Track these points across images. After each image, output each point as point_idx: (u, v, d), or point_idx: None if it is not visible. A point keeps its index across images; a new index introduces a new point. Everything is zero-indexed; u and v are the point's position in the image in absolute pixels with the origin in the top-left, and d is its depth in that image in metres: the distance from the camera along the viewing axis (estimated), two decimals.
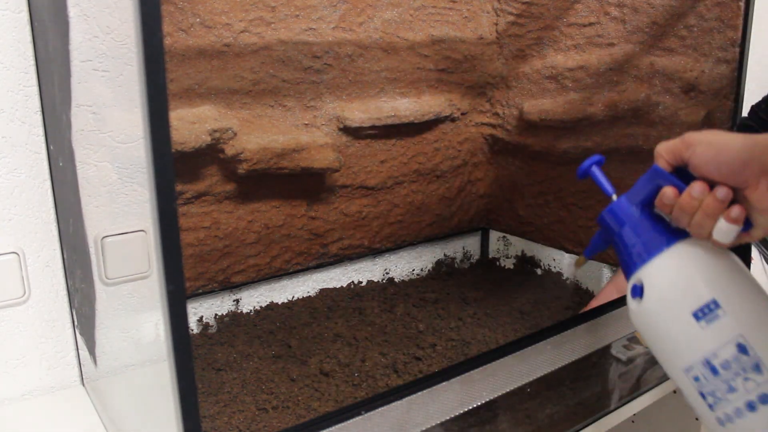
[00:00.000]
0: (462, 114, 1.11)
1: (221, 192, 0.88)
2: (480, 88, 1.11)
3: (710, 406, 0.49)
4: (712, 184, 0.49)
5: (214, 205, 0.88)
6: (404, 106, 1.01)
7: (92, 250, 0.72)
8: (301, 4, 0.87)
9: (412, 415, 0.58)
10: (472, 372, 0.62)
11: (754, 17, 0.81)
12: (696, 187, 0.49)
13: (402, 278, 1.14)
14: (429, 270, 1.19)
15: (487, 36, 1.08)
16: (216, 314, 0.95)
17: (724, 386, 0.48)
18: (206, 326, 0.93)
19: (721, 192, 0.48)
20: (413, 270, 1.18)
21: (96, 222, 0.71)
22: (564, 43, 1.00)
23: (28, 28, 0.71)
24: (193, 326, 0.93)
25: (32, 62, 0.72)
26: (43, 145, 0.75)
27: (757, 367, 0.47)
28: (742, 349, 0.47)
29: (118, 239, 0.73)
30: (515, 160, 1.14)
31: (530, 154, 1.10)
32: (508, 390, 0.66)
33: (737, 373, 0.47)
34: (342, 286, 1.08)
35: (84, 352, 0.80)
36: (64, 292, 0.79)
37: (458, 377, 0.61)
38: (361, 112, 0.96)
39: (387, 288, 1.08)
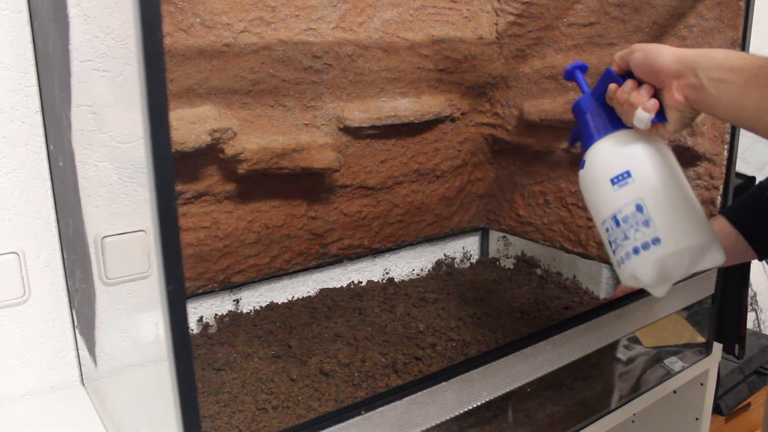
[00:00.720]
0: (462, 114, 1.11)
1: (221, 192, 0.88)
2: (480, 88, 1.11)
3: (614, 251, 0.63)
4: (643, 84, 0.61)
5: (214, 205, 0.88)
6: (404, 106, 1.01)
7: (92, 250, 0.72)
8: (301, 4, 0.87)
9: (412, 415, 0.58)
10: (472, 372, 0.62)
11: (754, 17, 0.81)
12: (627, 84, 0.62)
13: (402, 278, 1.14)
14: (429, 270, 1.19)
15: (487, 36, 1.08)
16: (216, 314, 0.95)
17: (622, 235, 0.62)
18: (206, 326, 0.93)
19: (644, 88, 0.61)
20: (413, 270, 1.18)
21: (96, 222, 0.71)
22: (564, 43, 1.00)
23: (28, 28, 0.71)
24: (193, 326, 0.93)
25: (32, 62, 0.72)
26: (43, 145, 0.75)
27: (647, 223, 0.60)
28: (639, 208, 0.61)
29: (118, 239, 0.73)
30: (515, 160, 1.14)
31: (530, 154, 1.10)
32: (508, 390, 0.66)
33: (632, 226, 0.61)
34: (342, 286, 1.08)
35: (84, 352, 0.80)
36: (64, 292, 0.79)
37: (458, 377, 0.61)
38: (361, 112, 0.96)
39: (387, 288, 1.08)
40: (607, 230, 0.63)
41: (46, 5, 0.67)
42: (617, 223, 0.62)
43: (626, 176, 0.62)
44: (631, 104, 0.61)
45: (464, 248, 1.25)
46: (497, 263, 1.23)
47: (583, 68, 0.72)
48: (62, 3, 0.63)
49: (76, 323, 0.80)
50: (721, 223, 0.78)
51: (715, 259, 0.62)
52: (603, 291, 1.07)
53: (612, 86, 0.64)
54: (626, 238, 0.61)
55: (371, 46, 0.95)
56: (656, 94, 0.61)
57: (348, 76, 0.95)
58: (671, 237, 0.60)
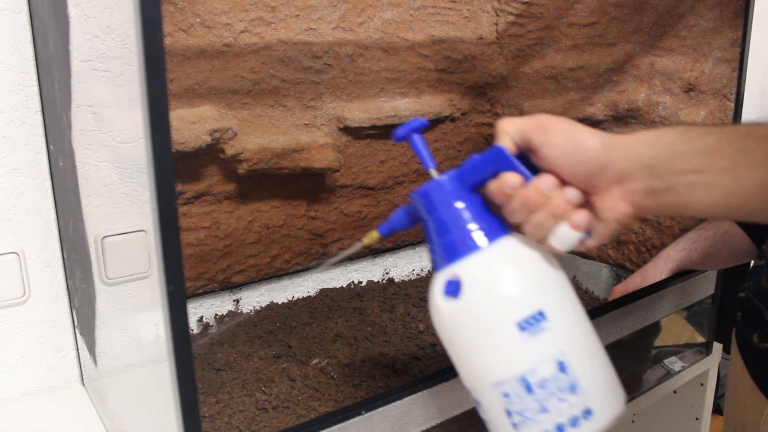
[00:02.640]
0: (462, 114, 1.11)
1: (221, 192, 0.88)
2: (480, 88, 1.11)
3: (514, 425, 0.44)
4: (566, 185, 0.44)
5: (214, 205, 0.88)
6: (404, 106, 1.01)
7: (92, 250, 0.72)
8: (301, 4, 0.87)
9: (412, 415, 0.58)
10: None
11: (754, 17, 0.81)
12: (546, 181, 0.43)
13: (402, 278, 1.14)
14: (429, 270, 1.19)
15: (487, 36, 1.08)
16: (216, 314, 0.95)
17: (536, 406, 0.43)
18: (206, 326, 0.93)
19: (572, 193, 0.43)
20: (413, 270, 1.18)
21: (96, 222, 0.71)
22: (564, 43, 1.00)
23: (28, 28, 0.71)
24: (193, 326, 0.93)
25: (32, 62, 0.72)
26: (43, 145, 0.75)
27: (573, 388, 0.43)
28: (562, 367, 0.43)
29: (118, 239, 0.73)
30: None
31: None
32: None
33: (552, 393, 0.43)
34: (342, 286, 1.08)
35: (84, 352, 0.80)
36: (64, 292, 0.79)
37: (458, 377, 0.61)
38: (361, 112, 0.96)
39: (387, 288, 1.08)
40: (506, 395, 0.44)
41: (46, 5, 0.67)
42: (528, 389, 0.43)
43: (540, 319, 0.43)
44: (552, 215, 0.43)
45: None
46: None
47: (422, 127, 0.51)
48: (62, 3, 0.63)
49: (76, 323, 0.80)
50: (728, 224, 0.77)
51: (622, 409, 0.46)
52: (603, 291, 1.07)
53: (512, 178, 0.44)
54: (543, 410, 0.43)
55: (371, 46, 0.95)
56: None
57: (348, 76, 0.95)
58: (604, 405, 0.44)
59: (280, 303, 1.01)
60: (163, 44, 0.37)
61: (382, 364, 0.81)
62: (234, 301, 0.97)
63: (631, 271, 1.00)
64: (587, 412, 0.43)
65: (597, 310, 0.74)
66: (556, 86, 1.02)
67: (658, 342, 0.96)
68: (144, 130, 0.38)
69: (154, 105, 0.38)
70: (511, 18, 1.06)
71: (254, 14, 0.84)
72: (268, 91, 0.88)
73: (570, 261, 1.13)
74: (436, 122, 1.07)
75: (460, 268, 0.45)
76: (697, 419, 0.99)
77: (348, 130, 0.97)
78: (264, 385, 0.77)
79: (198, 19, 0.79)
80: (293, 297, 1.03)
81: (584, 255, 1.05)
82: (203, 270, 0.90)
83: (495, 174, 0.45)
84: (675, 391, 0.98)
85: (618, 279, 1.08)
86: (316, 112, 0.94)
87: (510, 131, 0.45)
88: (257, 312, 0.97)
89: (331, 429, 0.53)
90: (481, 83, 1.10)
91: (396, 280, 1.13)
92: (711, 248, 0.79)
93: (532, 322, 0.43)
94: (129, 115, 0.69)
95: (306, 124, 0.93)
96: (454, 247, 0.45)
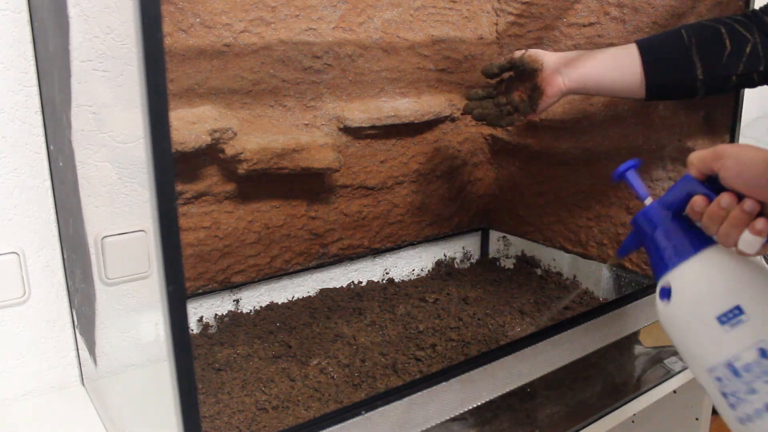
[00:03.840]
0: (462, 114, 1.11)
1: (221, 192, 0.88)
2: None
3: (731, 406, 0.51)
4: (740, 196, 0.51)
5: (214, 205, 0.88)
6: (404, 106, 1.01)
7: (92, 250, 0.72)
8: (301, 4, 0.87)
9: (412, 415, 0.58)
10: (472, 372, 0.62)
11: None
12: (724, 199, 0.51)
13: (402, 278, 1.14)
14: (429, 270, 1.19)
15: (487, 36, 1.08)
16: (216, 314, 0.95)
17: (745, 388, 0.50)
18: (206, 326, 0.93)
19: (748, 205, 0.50)
20: (413, 270, 1.18)
21: (96, 222, 0.71)
22: (564, 43, 1.00)
23: (28, 28, 0.71)
24: (193, 326, 0.93)
25: (32, 62, 0.72)
26: (43, 145, 0.75)
27: None
28: (764, 354, 0.49)
29: (118, 239, 0.73)
30: (515, 160, 1.14)
31: (530, 154, 1.10)
32: (508, 390, 0.66)
33: (758, 376, 0.49)
34: (342, 286, 1.08)
35: (84, 352, 0.80)
36: (64, 292, 0.79)
37: (458, 377, 0.61)
38: (361, 112, 0.96)
39: (387, 288, 1.08)
40: (719, 380, 0.52)
41: (46, 5, 0.67)
42: (736, 373, 0.50)
43: (738, 313, 0.50)
44: (734, 225, 0.51)
45: (464, 248, 1.25)
46: (497, 263, 1.23)
47: (636, 166, 0.61)
48: (62, 3, 0.63)
49: (76, 323, 0.80)
50: (633, 51, 0.77)
51: None
52: (603, 291, 1.07)
53: (698, 200, 0.53)
54: (752, 392, 0.50)
55: (371, 46, 0.95)
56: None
57: (348, 76, 0.95)
58: None
59: (280, 303, 1.01)
60: (163, 44, 0.37)
61: (382, 364, 0.81)
62: (234, 301, 0.97)
63: (632, 271, 1.00)
64: None
65: (597, 310, 0.74)
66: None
67: (658, 342, 0.96)
68: (144, 130, 0.38)
69: (154, 105, 0.38)
70: (511, 18, 1.06)
71: (254, 14, 0.84)
72: (268, 91, 0.88)
73: (570, 261, 1.13)
74: (436, 122, 1.07)
75: (670, 276, 0.54)
76: (696, 419, 0.99)
77: (348, 130, 0.97)
78: (264, 385, 0.77)
79: (198, 19, 0.79)
80: (293, 297, 1.03)
81: (584, 255, 1.05)
82: (203, 270, 0.90)
83: (689, 198, 0.54)
84: (675, 391, 0.98)
85: (618, 279, 1.08)
86: (316, 112, 0.94)
87: (694, 161, 0.54)
88: (257, 312, 0.97)
89: (331, 429, 0.53)
90: (482, 83, 1.10)
91: (396, 280, 1.13)
92: (602, 57, 0.79)
93: (730, 316, 0.50)
94: (129, 115, 0.69)
95: (306, 124, 0.93)
96: (666, 260, 0.55)
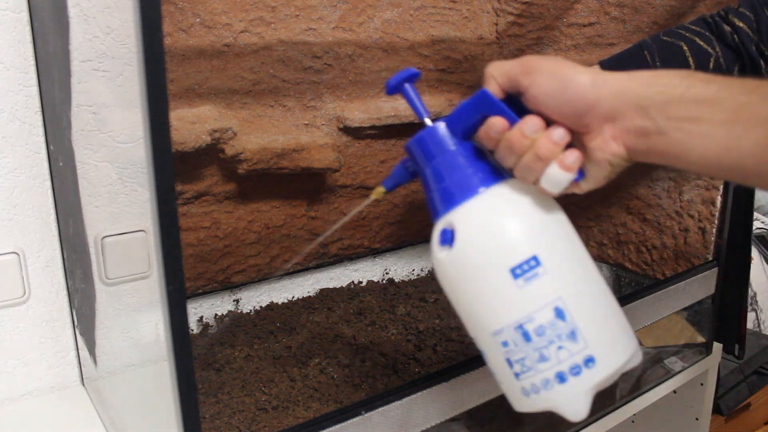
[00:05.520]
0: None
1: (221, 192, 0.88)
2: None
3: (516, 375, 0.44)
4: (548, 122, 0.42)
5: (214, 205, 0.88)
6: (404, 106, 1.01)
7: (92, 250, 0.72)
8: (301, 4, 0.87)
9: (412, 415, 0.58)
10: (471, 372, 0.62)
11: None
12: (530, 123, 0.42)
13: (402, 278, 1.14)
14: (429, 270, 1.19)
15: (487, 36, 1.08)
16: (216, 314, 0.95)
17: (536, 354, 0.42)
18: (206, 326, 0.93)
19: (558, 133, 0.42)
20: (413, 270, 1.18)
21: (96, 222, 0.71)
22: (564, 43, 1.00)
23: (28, 28, 0.71)
24: (193, 326, 0.93)
25: (32, 62, 0.72)
26: (43, 145, 0.75)
27: (573, 335, 0.41)
28: (560, 314, 0.41)
29: (118, 239, 0.73)
30: None
31: None
32: None
33: (551, 341, 0.42)
34: (342, 286, 1.08)
35: (84, 352, 0.80)
36: (64, 292, 0.79)
37: (458, 377, 0.61)
38: (361, 112, 0.96)
39: (387, 288, 1.08)
40: (505, 344, 0.43)
41: (46, 5, 0.67)
42: (526, 337, 0.42)
43: (534, 265, 0.42)
44: (539, 158, 0.42)
45: None
46: None
47: (413, 77, 0.50)
48: (62, 3, 0.63)
49: (76, 323, 0.80)
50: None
51: (636, 358, 0.46)
52: None
53: (497, 122, 0.43)
54: (543, 359, 0.42)
55: (371, 46, 0.95)
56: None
57: (348, 76, 0.95)
58: (609, 353, 0.43)
59: (280, 303, 1.01)
60: (163, 44, 0.37)
61: (382, 364, 0.81)
62: (234, 301, 0.97)
63: (632, 272, 1.00)
64: (589, 360, 0.42)
65: None
66: None
67: (658, 342, 0.96)
68: (144, 130, 0.38)
69: (154, 105, 0.38)
70: (511, 18, 1.06)
71: (254, 14, 0.84)
72: (268, 91, 0.88)
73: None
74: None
75: (453, 216, 0.44)
76: (696, 419, 0.99)
77: (348, 130, 0.97)
78: (264, 385, 0.77)
79: (198, 19, 0.79)
80: (293, 297, 1.03)
81: None
82: (203, 270, 0.90)
83: (483, 119, 0.44)
84: (675, 391, 0.98)
85: (618, 279, 1.08)
86: (316, 112, 0.94)
87: (496, 75, 0.44)
88: (257, 312, 0.98)
89: (331, 429, 0.53)
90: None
91: (396, 280, 1.13)
92: None
93: (526, 268, 0.42)
94: (129, 115, 0.69)
95: (306, 124, 0.93)
96: (447, 196, 0.45)
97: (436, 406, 0.60)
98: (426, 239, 1.20)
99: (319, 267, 1.04)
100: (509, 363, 0.44)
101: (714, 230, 0.88)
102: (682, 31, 0.71)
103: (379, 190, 0.52)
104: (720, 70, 0.69)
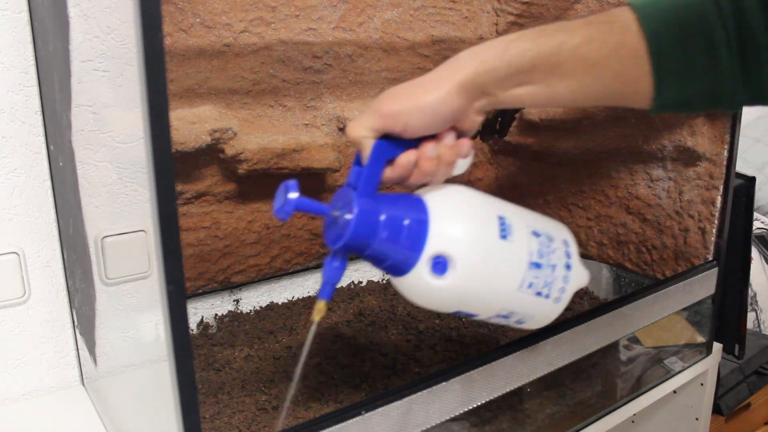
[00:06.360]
0: None
1: (221, 192, 0.88)
2: None
3: (547, 296, 0.53)
4: (419, 140, 0.51)
5: (214, 205, 0.88)
6: None
7: (92, 250, 0.72)
8: (301, 4, 0.87)
9: (412, 415, 0.58)
10: (472, 372, 0.62)
11: None
12: (429, 148, 0.51)
13: None
14: None
15: (487, 36, 1.08)
16: (216, 314, 0.95)
17: (549, 270, 0.52)
18: (206, 326, 0.93)
19: (449, 139, 0.52)
20: None
21: (96, 222, 0.71)
22: None
23: (28, 28, 0.71)
24: (193, 326, 0.93)
25: (32, 62, 0.72)
26: (43, 145, 0.75)
27: (550, 238, 0.53)
28: (536, 233, 0.52)
29: (118, 239, 0.73)
30: (515, 160, 1.14)
31: (530, 154, 1.10)
32: (508, 390, 0.66)
33: (548, 252, 0.52)
34: (342, 286, 1.08)
35: (84, 352, 0.80)
36: (64, 292, 0.79)
37: (458, 377, 0.61)
38: (361, 112, 0.96)
39: (387, 288, 1.08)
40: (531, 285, 0.52)
41: (46, 5, 0.67)
42: (538, 266, 0.52)
43: (503, 221, 0.51)
44: (448, 162, 0.51)
45: None
46: None
47: (297, 187, 0.51)
48: (62, 3, 0.63)
49: (76, 323, 0.80)
50: None
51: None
52: (603, 291, 1.07)
53: (411, 155, 0.51)
54: (552, 267, 0.53)
55: (371, 46, 0.95)
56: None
57: (348, 76, 0.95)
58: (569, 233, 0.57)
59: (280, 303, 1.01)
60: (163, 44, 0.37)
61: (382, 364, 0.81)
62: (234, 301, 0.97)
63: (632, 272, 1.00)
64: (566, 243, 0.55)
65: (597, 310, 0.74)
66: None
67: (658, 342, 0.96)
68: (144, 130, 0.38)
69: (154, 105, 0.38)
70: (511, 18, 1.06)
71: (254, 14, 0.84)
72: (268, 91, 0.88)
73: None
74: None
75: (433, 245, 0.48)
76: (696, 419, 0.99)
77: None
78: (264, 385, 0.77)
79: (198, 19, 0.79)
80: (293, 297, 1.03)
81: (584, 255, 1.05)
82: (203, 270, 0.90)
83: (384, 166, 0.51)
84: (675, 391, 0.98)
85: (618, 279, 1.08)
86: (316, 112, 0.94)
87: (367, 133, 0.51)
88: (257, 312, 0.97)
89: (331, 429, 0.53)
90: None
91: None
92: None
93: (503, 227, 0.50)
94: (129, 115, 0.69)
95: (306, 124, 0.93)
96: (414, 235, 0.49)
97: (436, 406, 0.60)
98: None
99: (319, 267, 1.04)
100: (539, 294, 0.53)
101: (714, 230, 0.88)
102: None
103: (320, 307, 0.55)
104: None
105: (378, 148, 0.50)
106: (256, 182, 0.90)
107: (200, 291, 0.91)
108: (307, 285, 1.05)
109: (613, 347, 0.94)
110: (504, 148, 1.14)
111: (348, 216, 0.49)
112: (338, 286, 1.08)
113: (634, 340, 0.95)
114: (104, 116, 0.70)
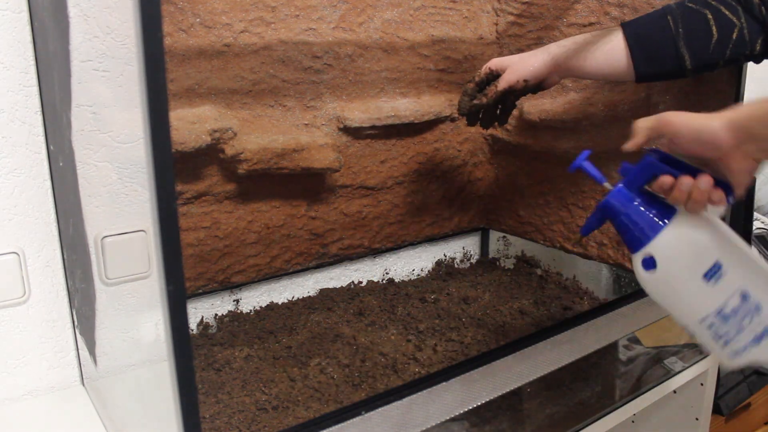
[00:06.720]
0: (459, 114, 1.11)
1: (221, 192, 0.88)
2: None
3: (725, 345, 0.59)
4: (693, 169, 0.58)
5: (214, 205, 0.88)
6: (404, 106, 1.01)
7: (92, 250, 0.72)
8: (301, 4, 0.87)
9: (412, 415, 0.58)
10: (472, 372, 0.62)
11: None
12: (684, 182, 0.58)
13: (402, 278, 1.14)
14: (429, 270, 1.19)
15: (487, 36, 1.08)
16: (216, 314, 0.95)
17: (735, 328, 0.58)
18: (206, 326, 0.93)
19: (703, 183, 0.57)
20: (413, 270, 1.18)
21: (96, 222, 0.71)
22: None
23: (28, 28, 0.71)
24: (193, 326, 0.93)
25: (32, 62, 0.72)
26: (43, 145, 0.75)
27: (758, 308, 0.58)
28: (745, 297, 0.58)
29: (118, 239, 0.73)
30: (515, 160, 1.14)
31: (530, 154, 1.10)
32: (508, 390, 0.66)
33: (744, 316, 0.58)
34: (342, 286, 1.08)
35: (84, 352, 0.80)
36: (64, 292, 0.79)
37: (458, 377, 0.61)
38: (361, 112, 0.96)
39: (387, 288, 1.08)
40: (711, 326, 0.60)
41: (46, 5, 0.67)
42: (725, 319, 0.59)
43: (718, 267, 0.58)
44: (697, 201, 0.58)
45: (464, 248, 1.25)
46: (497, 263, 1.23)
47: (587, 155, 0.68)
48: (62, 3, 0.63)
49: (76, 323, 0.80)
50: (619, 37, 0.78)
51: None
52: (603, 291, 1.07)
53: (666, 180, 0.59)
54: (741, 330, 0.59)
55: (371, 46, 0.95)
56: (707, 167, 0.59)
57: (348, 76, 0.95)
58: None
59: (280, 303, 1.01)
60: (163, 44, 0.37)
61: (382, 364, 0.81)
62: (234, 301, 0.97)
63: (632, 272, 1.00)
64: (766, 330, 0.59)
65: (597, 310, 0.74)
66: (556, 86, 1.02)
67: (658, 342, 0.96)
68: (144, 130, 0.38)
69: (154, 105, 0.38)
70: (511, 18, 1.06)
71: (254, 14, 0.84)
72: (268, 91, 0.88)
73: (570, 261, 1.13)
74: (436, 122, 1.07)
75: (650, 248, 0.60)
76: (696, 419, 0.99)
77: (348, 130, 0.97)
78: (264, 385, 0.77)
79: (198, 19, 0.79)
80: (293, 297, 1.03)
81: (584, 255, 1.05)
82: (203, 270, 0.90)
83: (652, 175, 0.60)
84: (675, 391, 0.98)
85: (618, 279, 1.08)
86: (316, 112, 0.94)
87: (642, 129, 0.60)
88: (257, 312, 0.97)
89: (331, 429, 0.53)
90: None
91: (396, 280, 1.13)
92: (589, 49, 0.80)
93: (713, 272, 0.58)
94: (129, 115, 0.69)
95: (306, 124, 0.93)
96: (643, 234, 0.60)
97: (436, 406, 0.60)
98: (426, 239, 1.20)
99: (319, 267, 1.04)
100: (717, 338, 0.59)
101: None
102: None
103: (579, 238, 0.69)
104: (742, 41, 0.70)
105: (648, 164, 0.60)
106: (256, 182, 0.90)
107: (200, 291, 0.91)
108: (307, 285, 1.05)
109: (613, 347, 0.94)
110: (504, 148, 1.14)
111: (608, 188, 0.63)
112: (338, 286, 1.08)
113: (634, 340, 0.95)
114: (104, 116, 0.70)
